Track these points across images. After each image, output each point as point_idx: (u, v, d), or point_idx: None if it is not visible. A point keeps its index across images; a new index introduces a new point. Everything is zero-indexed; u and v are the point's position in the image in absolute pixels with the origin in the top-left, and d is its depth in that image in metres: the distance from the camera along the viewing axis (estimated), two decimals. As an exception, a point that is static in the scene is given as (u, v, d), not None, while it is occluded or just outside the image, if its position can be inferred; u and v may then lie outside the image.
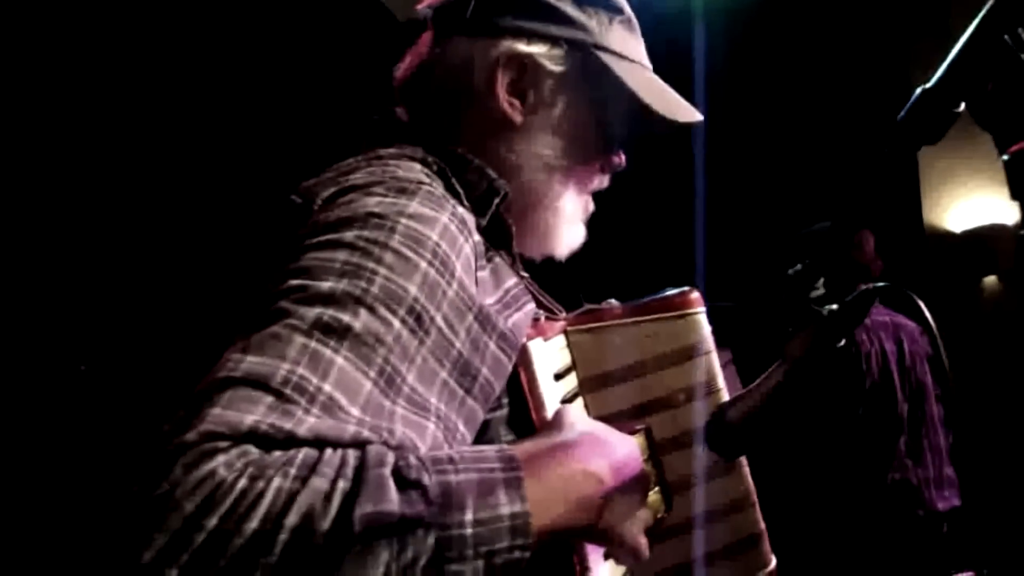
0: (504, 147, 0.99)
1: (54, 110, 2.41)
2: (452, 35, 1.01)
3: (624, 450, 0.84)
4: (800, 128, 4.21)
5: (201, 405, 0.61)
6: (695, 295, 1.04)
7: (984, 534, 2.55)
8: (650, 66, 1.09)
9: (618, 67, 1.01)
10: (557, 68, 0.99)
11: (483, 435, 0.82)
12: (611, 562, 0.98)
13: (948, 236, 4.46)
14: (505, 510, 0.67)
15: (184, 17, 2.67)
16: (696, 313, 1.04)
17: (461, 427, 0.77)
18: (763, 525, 1.07)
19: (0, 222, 2.29)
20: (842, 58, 4.25)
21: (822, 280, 0.86)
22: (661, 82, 1.07)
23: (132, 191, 2.54)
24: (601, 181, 1.09)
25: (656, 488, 0.98)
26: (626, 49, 1.03)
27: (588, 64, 1.00)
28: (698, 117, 1.06)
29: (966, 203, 4.50)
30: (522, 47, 0.98)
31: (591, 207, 1.10)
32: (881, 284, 0.86)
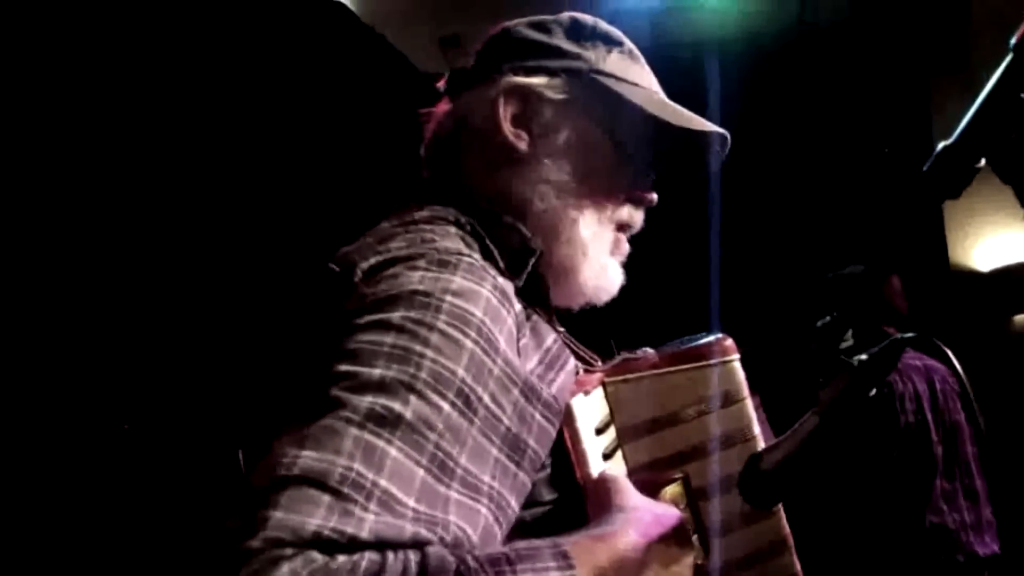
0: (515, 179, 1.01)
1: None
2: (460, 93, 1.06)
3: (668, 522, 0.86)
4: (818, 168, 4.23)
5: (262, 506, 0.63)
6: (729, 342, 1.07)
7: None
8: (659, 90, 1.10)
9: (619, 87, 1.02)
10: (558, 96, 1.02)
11: (526, 509, 0.84)
12: None
13: (974, 275, 4.44)
14: None
15: (214, 74, 2.75)
16: (731, 360, 1.06)
17: (512, 504, 0.79)
18: (799, 568, 1.08)
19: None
20: (861, 97, 4.29)
21: (851, 331, 0.88)
22: (668, 100, 1.08)
23: (166, 246, 2.61)
24: (632, 217, 1.09)
25: (694, 535, 0.99)
26: (627, 74, 1.05)
27: (589, 88, 1.02)
28: (712, 127, 1.06)
29: (992, 240, 4.48)
30: (520, 79, 1.01)
31: (625, 247, 1.10)
32: (910, 335, 0.87)
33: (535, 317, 0.92)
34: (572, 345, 1.05)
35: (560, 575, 0.70)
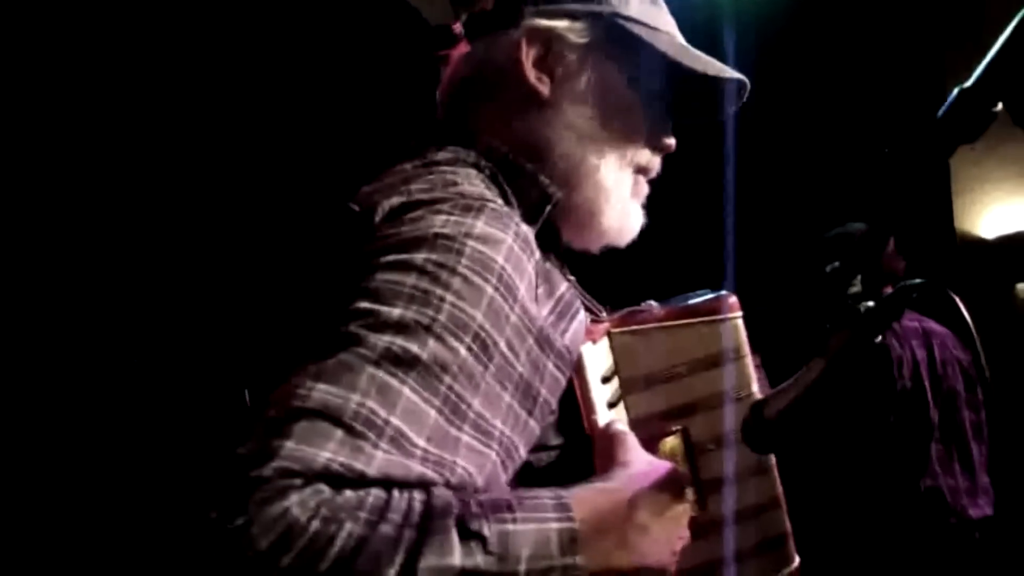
0: (537, 124, 1.00)
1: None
2: (479, 36, 1.05)
3: (665, 476, 0.87)
4: (832, 129, 4.19)
5: (275, 435, 0.64)
6: (733, 299, 1.07)
7: (1019, 543, 2.54)
8: (679, 35, 1.09)
9: (641, 31, 1.01)
10: (580, 39, 1.00)
11: (534, 454, 0.85)
12: None
13: (980, 242, 4.42)
14: (558, 561, 0.71)
15: (227, 13, 2.72)
16: (735, 318, 1.07)
17: (521, 450, 0.81)
18: (789, 526, 1.10)
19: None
20: (876, 60, 4.23)
21: (859, 278, 0.87)
22: (689, 46, 1.07)
23: (184, 188, 2.60)
24: (651, 161, 1.08)
25: (691, 488, 1.01)
26: (649, 19, 1.04)
27: (611, 32, 1.01)
28: (733, 73, 1.05)
29: (999, 208, 4.45)
30: (543, 22, 1.00)
31: (645, 190, 1.09)
32: (919, 281, 0.87)
33: (548, 264, 0.92)
34: (580, 295, 1.05)
35: (559, 526, 0.72)
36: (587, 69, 1.01)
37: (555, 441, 0.89)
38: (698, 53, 1.06)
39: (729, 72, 1.06)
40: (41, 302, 2.35)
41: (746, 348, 1.07)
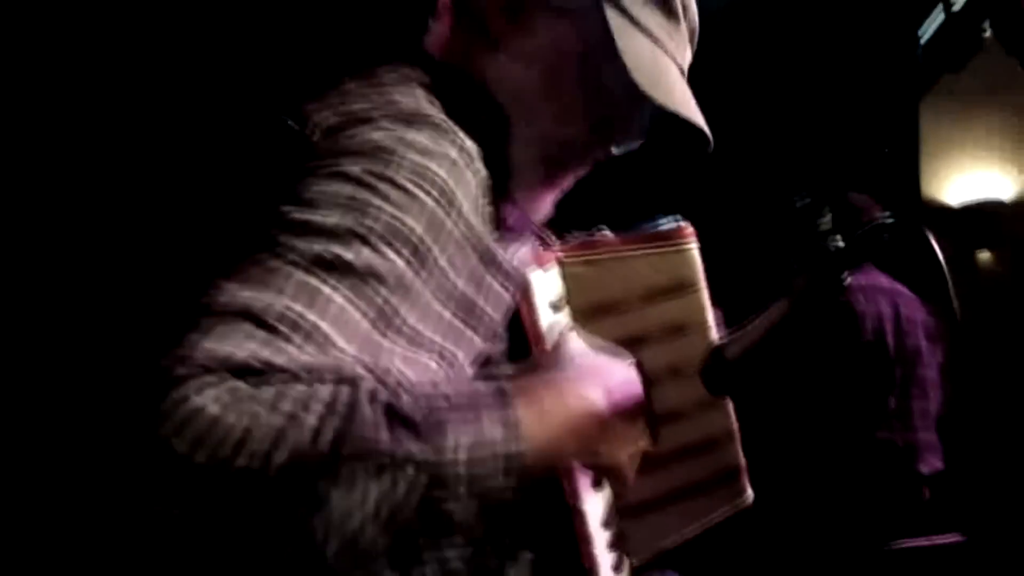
0: (480, 61, 0.95)
1: None
2: None
3: (625, 380, 0.85)
4: (803, 78, 4.13)
5: (193, 336, 0.61)
6: (689, 228, 1.05)
7: (970, 497, 2.58)
8: (678, 50, 0.98)
9: (622, 31, 0.92)
10: (558, 3, 0.94)
11: (482, 370, 0.83)
12: (599, 492, 0.99)
13: (945, 209, 4.45)
14: (500, 449, 0.67)
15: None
16: (690, 247, 1.04)
17: (462, 359, 0.78)
18: (743, 460, 1.09)
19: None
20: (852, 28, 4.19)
21: (829, 214, 0.84)
22: (673, 68, 0.96)
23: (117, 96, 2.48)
24: (580, 160, 0.99)
25: (644, 421, 0.99)
26: (643, 17, 0.94)
27: (591, 15, 0.93)
28: (698, 117, 0.95)
29: (965, 176, 4.48)
30: None
31: (568, 182, 1.00)
32: (890, 219, 0.84)
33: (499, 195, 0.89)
34: (531, 221, 1.02)
35: (500, 412, 0.69)
36: (547, 33, 0.94)
37: (505, 372, 0.86)
38: (673, 77, 0.95)
39: (694, 113, 0.95)
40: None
41: (701, 279, 1.05)
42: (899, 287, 2.52)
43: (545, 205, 1.00)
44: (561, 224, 1.06)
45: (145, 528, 0.58)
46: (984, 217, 4.37)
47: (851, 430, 2.36)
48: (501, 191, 0.89)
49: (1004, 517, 2.49)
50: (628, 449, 0.86)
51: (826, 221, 0.82)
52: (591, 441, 0.79)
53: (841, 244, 0.84)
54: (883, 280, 2.49)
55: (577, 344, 0.87)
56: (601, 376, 0.82)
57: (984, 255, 4.43)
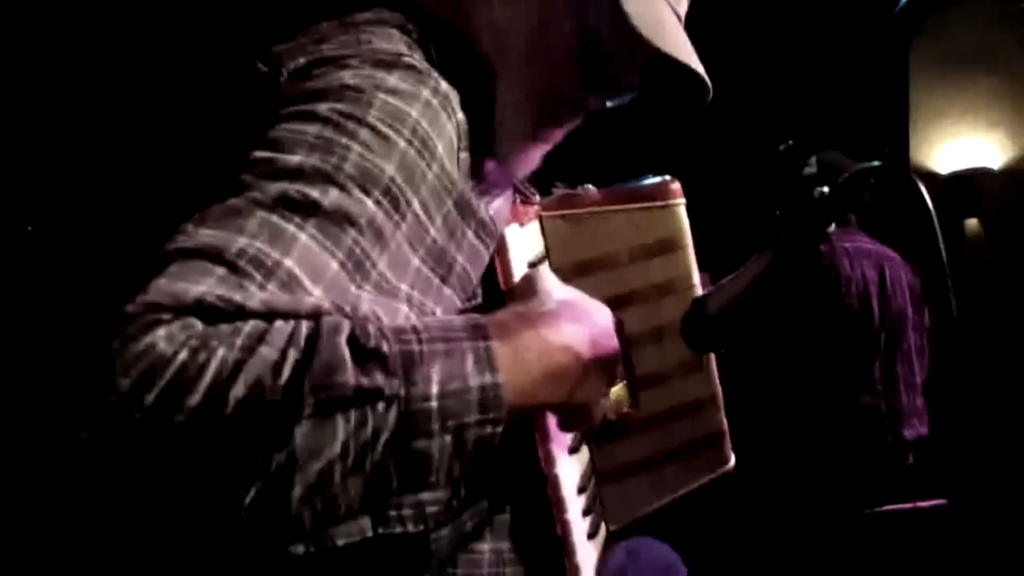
0: (467, 6, 0.88)
1: None
2: None
3: (602, 319, 0.82)
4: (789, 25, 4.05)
5: (149, 276, 0.58)
6: (676, 185, 1.01)
7: (953, 463, 2.59)
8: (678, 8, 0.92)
9: None
10: None
11: None
12: (575, 457, 0.96)
13: (933, 176, 4.43)
14: (474, 381, 0.63)
15: None
16: (677, 204, 1.00)
17: (436, 311, 0.74)
18: (726, 425, 1.06)
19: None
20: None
21: (815, 159, 0.80)
22: (672, 17, 0.90)
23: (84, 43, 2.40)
24: (572, 114, 0.92)
25: (624, 383, 0.95)
26: None
27: None
28: (699, 67, 0.89)
29: (953, 144, 4.45)
30: None
31: (558, 135, 0.94)
32: (876, 164, 0.80)
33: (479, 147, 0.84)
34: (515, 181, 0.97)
35: (473, 344, 0.65)
36: None
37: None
38: (675, 27, 0.89)
39: (696, 66, 0.89)
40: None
41: (687, 237, 1.01)
42: (884, 249, 2.49)
43: (532, 160, 0.95)
44: (544, 183, 1.02)
45: (101, 475, 0.54)
46: (972, 185, 4.36)
47: (835, 395, 2.35)
48: (484, 144, 0.85)
49: (986, 482, 2.50)
50: (602, 391, 0.82)
51: (811, 167, 0.77)
52: (567, 385, 0.75)
53: (826, 191, 0.80)
54: (867, 242, 2.46)
55: (555, 280, 0.83)
56: (581, 316, 0.78)
57: (972, 223, 4.42)
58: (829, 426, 2.34)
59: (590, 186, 1.00)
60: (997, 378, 3.09)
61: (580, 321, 0.77)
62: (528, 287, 0.82)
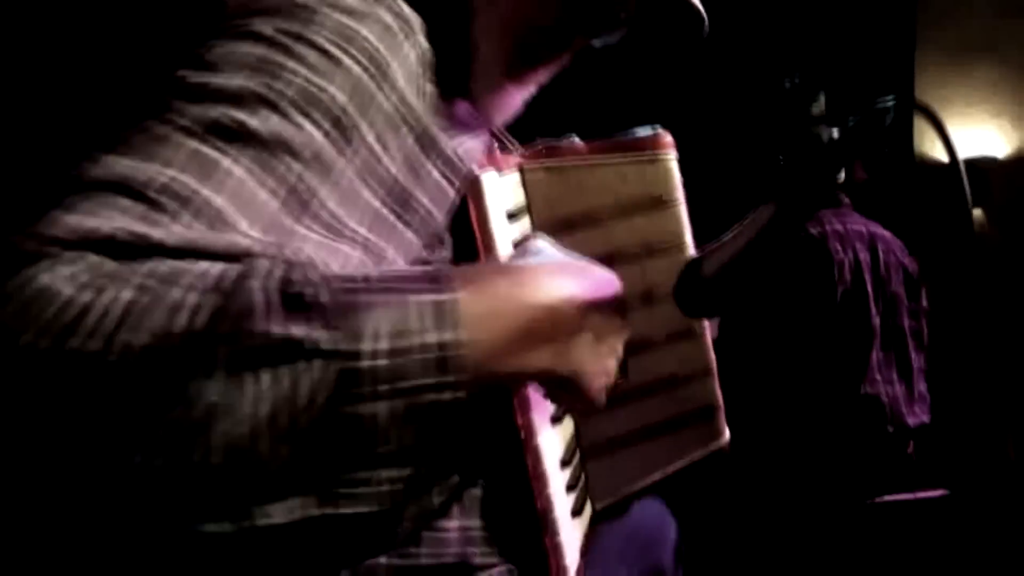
0: None
1: None
2: None
3: (601, 274, 0.71)
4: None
5: (55, 213, 0.50)
6: (667, 137, 0.94)
7: (955, 452, 2.52)
8: None
9: None
10: None
11: None
12: (558, 427, 0.89)
13: (937, 165, 4.37)
14: (432, 338, 0.53)
15: None
16: (668, 158, 0.93)
17: (393, 255, 0.66)
18: (720, 397, 0.99)
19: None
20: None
21: (823, 97, 0.72)
22: None
23: None
24: (555, 51, 0.85)
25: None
26: None
27: None
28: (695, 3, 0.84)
29: (958, 133, 4.39)
30: None
31: (542, 77, 0.87)
32: (891, 100, 0.73)
33: (450, 85, 0.77)
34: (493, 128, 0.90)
35: (433, 297, 0.54)
36: None
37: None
38: None
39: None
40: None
41: (679, 193, 0.94)
42: (877, 229, 2.41)
43: (513, 104, 0.87)
44: (527, 140, 0.95)
45: None
46: (976, 174, 4.31)
47: (833, 384, 2.28)
48: (457, 82, 0.78)
49: (990, 472, 2.44)
50: (601, 358, 0.70)
51: (819, 105, 0.70)
52: (556, 339, 0.63)
53: (836, 134, 0.72)
54: (860, 223, 2.38)
55: (545, 244, 0.74)
56: (576, 270, 0.68)
57: (976, 212, 4.37)
58: (827, 415, 2.27)
59: (575, 137, 0.93)
60: (1001, 366, 3.03)
61: (575, 275, 0.67)
62: (519, 250, 0.74)
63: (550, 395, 0.77)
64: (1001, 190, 4.21)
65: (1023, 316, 3.63)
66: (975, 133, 4.41)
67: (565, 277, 0.65)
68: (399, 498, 0.58)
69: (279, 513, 0.50)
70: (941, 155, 4.40)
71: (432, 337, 0.53)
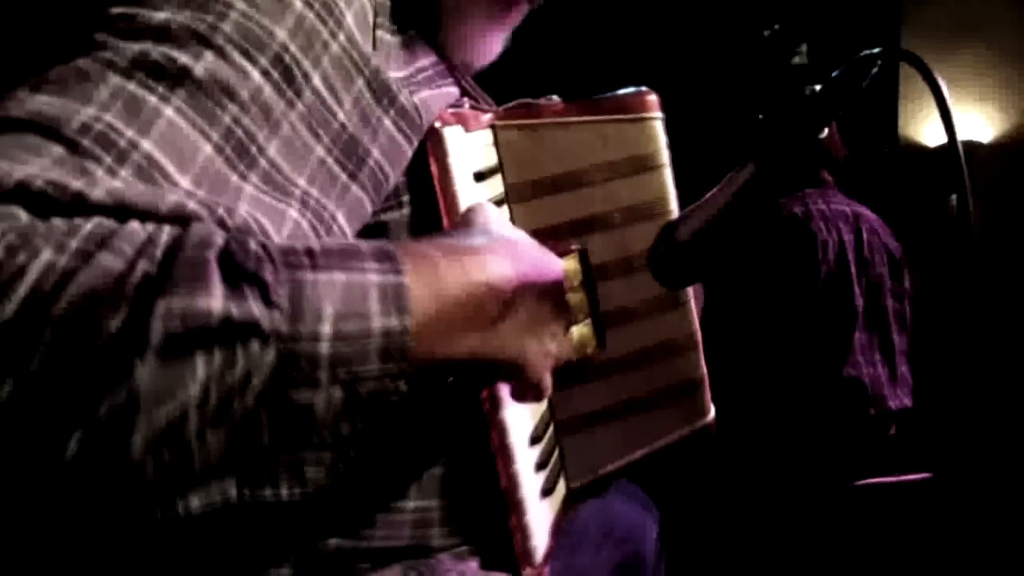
0: None
1: None
2: None
3: (539, 255, 0.68)
4: None
5: None
6: (652, 97, 0.88)
7: (937, 435, 2.51)
8: None
9: None
10: None
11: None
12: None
13: (921, 150, 4.36)
14: (377, 323, 0.50)
15: None
16: (653, 118, 0.88)
17: (340, 220, 0.61)
18: (705, 371, 0.94)
19: None
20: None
21: (804, 46, 0.68)
22: None
23: None
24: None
25: (588, 320, 0.84)
26: None
27: None
28: None
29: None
30: None
31: (518, 15, 0.85)
32: (877, 51, 0.69)
33: (413, 34, 0.72)
34: (464, 84, 0.84)
35: (381, 278, 0.51)
36: None
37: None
38: None
39: None
40: None
41: (664, 156, 0.88)
42: (861, 209, 2.38)
43: (488, 48, 0.82)
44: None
45: None
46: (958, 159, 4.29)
47: (815, 366, 2.26)
48: (423, 24, 0.72)
49: (973, 455, 2.43)
50: (541, 343, 0.66)
51: (801, 55, 0.66)
52: (490, 321, 0.60)
53: (818, 89, 0.68)
54: (843, 203, 2.35)
55: (498, 215, 0.70)
56: (517, 252, 0.65)
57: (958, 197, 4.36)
58: (809, 397, 2.24)
59: (554, 97, 0.88)
60: (982, 349, 3.03)
61: (513, 258, 0.63)
62: (464, 218, 0.69)
63: (488, 383, 0.73)
64: (985, 174, 4.21)
65: (1006, 301, 3.63)
66: (960, 118, 4.38)
67: (502, 258, 0.62)
68: (323, 483, 0.55)
69: (198, 499, 0.46)
70: (925, 140, 4.39)
71: (378, 323, 0.50)
